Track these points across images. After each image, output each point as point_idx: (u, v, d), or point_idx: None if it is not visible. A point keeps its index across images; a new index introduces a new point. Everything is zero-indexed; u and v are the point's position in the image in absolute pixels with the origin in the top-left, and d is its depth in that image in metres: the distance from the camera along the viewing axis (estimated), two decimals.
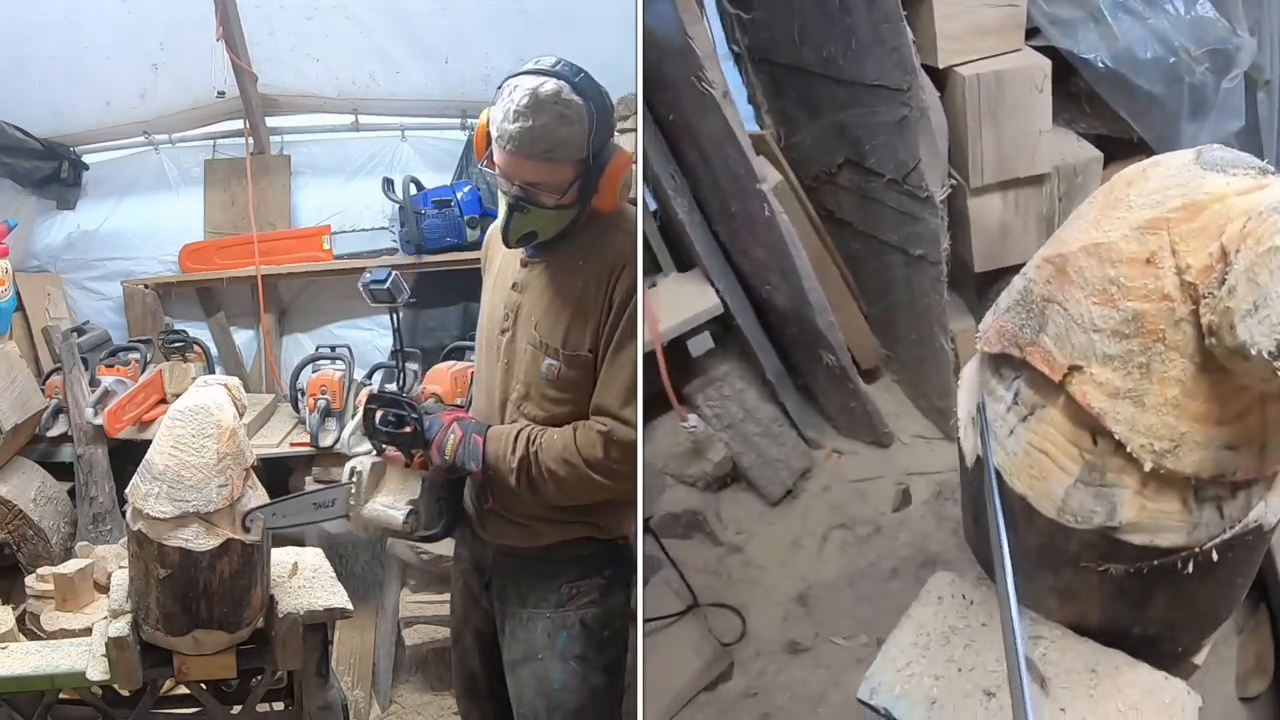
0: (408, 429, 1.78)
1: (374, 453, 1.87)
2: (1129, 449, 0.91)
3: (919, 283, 2.86)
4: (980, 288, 3.07)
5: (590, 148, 1.70)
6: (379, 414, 1.81)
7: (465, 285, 3.65)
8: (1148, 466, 0.90)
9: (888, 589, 2.78)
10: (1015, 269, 3.07)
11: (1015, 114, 2.74)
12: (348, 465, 1.87)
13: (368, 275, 2.07)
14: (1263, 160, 0.89)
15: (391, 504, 1.81)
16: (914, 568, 2.84)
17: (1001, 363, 1.07)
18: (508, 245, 1.82)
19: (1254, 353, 0.75)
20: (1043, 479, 1.01)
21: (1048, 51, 2.77)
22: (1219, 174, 0.82)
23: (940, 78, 2.65)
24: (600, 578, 1.86)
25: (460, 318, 3.68)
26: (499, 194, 1.77)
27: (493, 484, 1.82)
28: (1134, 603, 1.14)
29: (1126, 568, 1.03)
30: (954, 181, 2.73)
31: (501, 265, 1.92)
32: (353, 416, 3.03)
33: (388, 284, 2.04)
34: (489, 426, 1.81)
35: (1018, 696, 0.89)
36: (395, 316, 2.21)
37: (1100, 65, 2.75)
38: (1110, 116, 2.92)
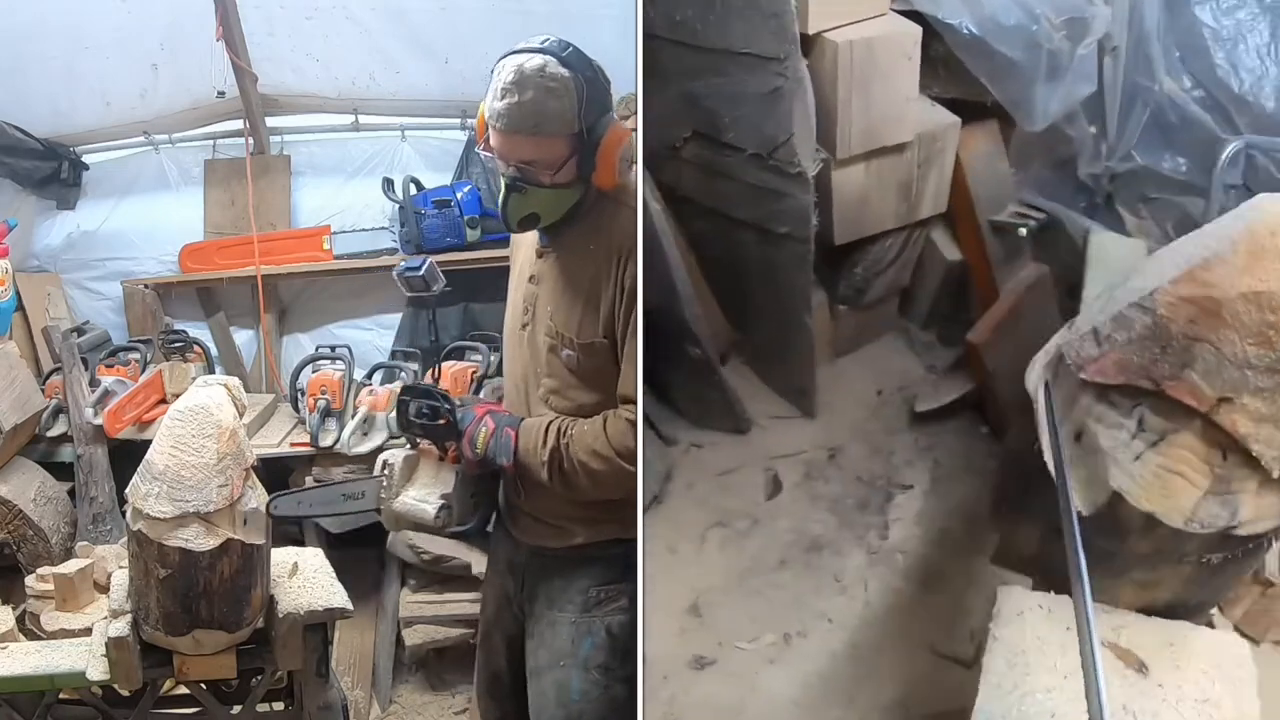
0: (441, 421, 1.77)
1: (407, 445, 1.86)
2: (1263, 463, 1.06)
3: (780, 261, 2.78)
4: (834, 260, 3.03)
5: (582, 121, 1.66)
6: (413, 405, 1.80)
7: (465, 285, 3.64)
8: (1276, 474, 1.06)
9: (780, 580, 2.76)
10: (873, 239, 3.07)
11: (885, 82, 2.70)
12: (380, 457, 1.84)
13: (403, 264, 2.01)
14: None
15: (423, 498, 1.78)
16: (800, 553, 2.83)
17: (1116, 392, 1.14)
18: (509, 228, 1.79)
19: None
20: (1172, 496, 1.11)
21: (907, 17, 2.76)
22: None
23: (805, 45, 2.56)
24: (627, 582, 1.83)
25: (460, 318, 3.68)
26: (499, 177, 1.74)
27: (524, 479, 1.80)
28: (1207, 581, 1.29)
29: (1225, 554, 1.18)
30: (823, 155, 2.67)
31: (522, 261, 1.91)
32: (353, 417, 3.03)
33: (423, 272, 1.98)
34: (522, 420, 1.79)
35: (1092, 686, 0.98)
36: (432, 310, 2.17)
37: (964, 31, 2.76)
38: (966, 81, 2.92)
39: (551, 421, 1.74)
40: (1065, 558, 1.25)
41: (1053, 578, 1.35)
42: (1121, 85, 3.08)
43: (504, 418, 1.78)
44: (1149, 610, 1.34)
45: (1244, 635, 1.96)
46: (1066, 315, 3.10)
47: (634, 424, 1.68)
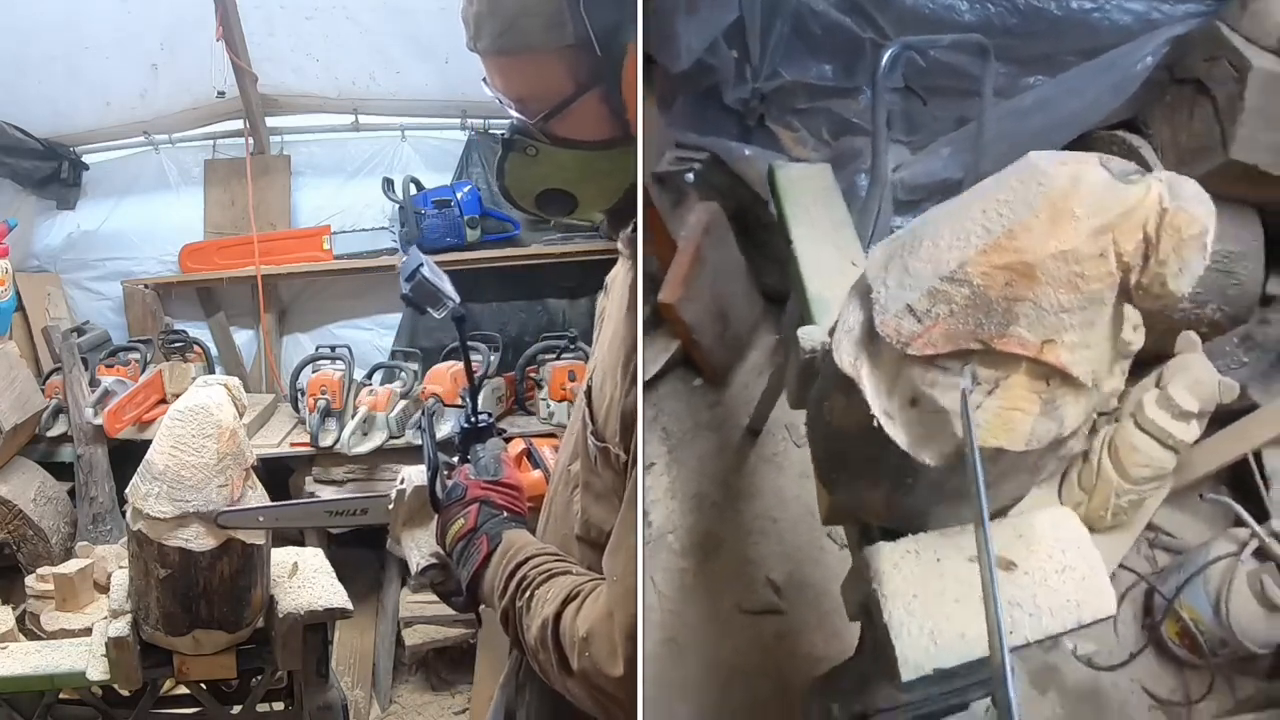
0: (431, 473, 1.38)
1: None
2: (1081, 379, 1.25)
3: None
4: None
5: (586, 21, 1.04)
6: (429, 425, 1.48)
7: (465, 285, 3.63)
8: (1089, 384, 1.26)
9: None
10: None
11: None
12: (403, 471, 1.54)
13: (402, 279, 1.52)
14: None
15: (419, 545, 1.47)
16: None
17: (946, 358, 1.28)
18: (511, 203, 1.22)
19: (1179, 295, 1.18)
20: (1013, 428, 1.28)
21: None
22: (1128, 185, 1.18)
23: None
24: None
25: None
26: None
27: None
28: (1032, 479, 1.47)
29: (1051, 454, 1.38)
30: None
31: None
32: (353, 417, 3.03)
33: (409, 291, 1.47)
34: (509, 531, 1.27)
35: (989, 592, 1.13)
36: (463, 337, 1.64)
37: None
38: None
39: (529, 559, 1.20)
40: (912, 507, 1.44)
41: (901, 524, 1.50)
42: (760, 16, 3.05)
43: (491, 517, 1.30)
44: (994, 516, 1.52)
45: None
46: (747, 251, 3.17)
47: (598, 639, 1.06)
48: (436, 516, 1.36)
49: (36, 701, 1.90)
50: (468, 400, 1.48)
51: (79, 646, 1.94)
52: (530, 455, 1.54)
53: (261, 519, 1.70)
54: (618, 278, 1.32)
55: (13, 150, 3.49)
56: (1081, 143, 2.98)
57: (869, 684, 1.60)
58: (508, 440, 1.51)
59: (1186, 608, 2.46)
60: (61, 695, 1.93)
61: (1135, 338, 1.42)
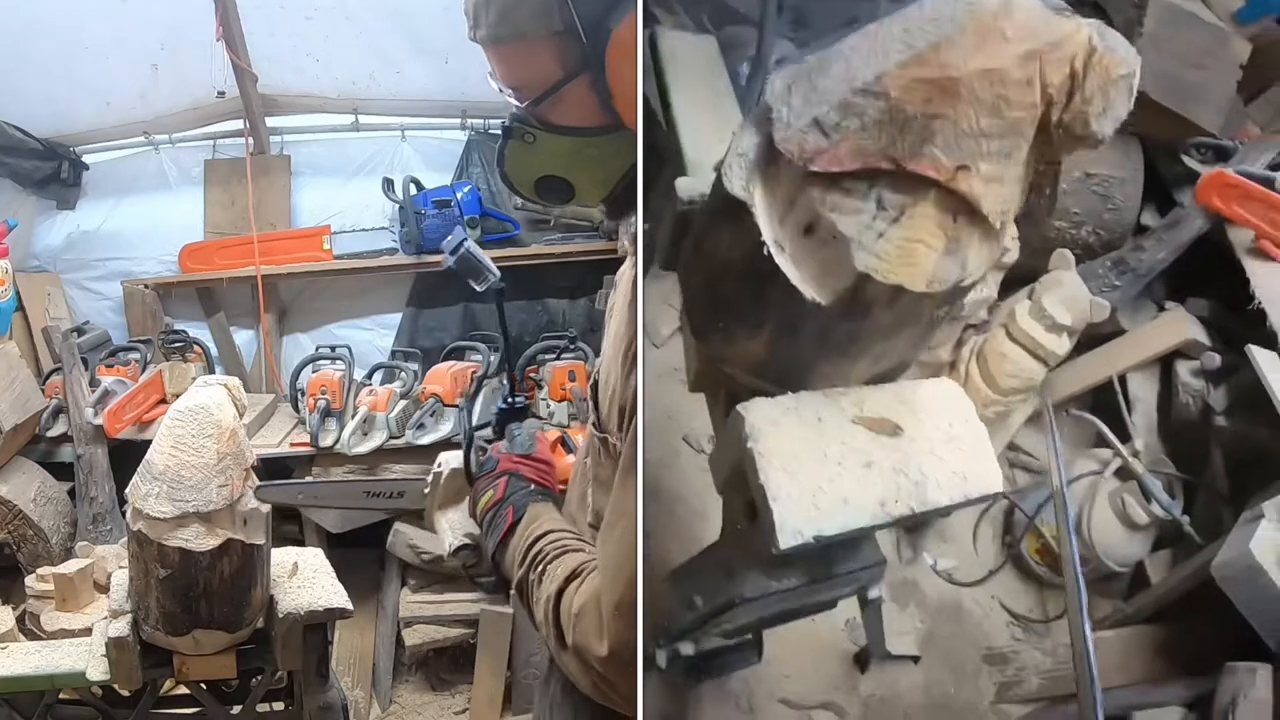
0: (466, 447, 1.44)
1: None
2: (990, 219, 1.19)
3: None
4: None
5: (570, 8, 1.09)
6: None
7: (465, 286, 3.63)
8: (996, 225, 1.20)
9: None
10: None
11: None
12: (441, 455, 1.59)
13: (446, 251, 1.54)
14: None
15: (451, 527, 1.52)
16: None
17: (850, 178, 1.20)
18: (512, 189, 1.27)
19: (1100, 137, 1.15)
20: (915, 263, 1.20)
21: None
22: (1060, 16, 1.14)
23: None
24: None
25: (460, 318, 3.68)
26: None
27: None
28: (926, 337, 1.40)
29: (949, 306, 1.32)
30: None
31: None
32: (353, 416, 3.03)
33: (453, 263, 1.54)
34: (535, 502, 1.31)
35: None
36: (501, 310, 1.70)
37: None
38: None
39: (545, 534, 1.24)
40: (794, 357, 1.32)
41: (781, 379, 1.39)
42: None
43: (519, 489, 1.34)
44: (879, 380, 1.45)
45: None
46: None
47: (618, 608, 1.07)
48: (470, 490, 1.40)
49: (36, 701, 1.90)
50: (505, 381, 1.55)
51: (79, 646, 1.94)
52: (564, 442, 1.58)
53: (300, 495, 1.76)
54: (625, 274, 1.34)
55: (13, 150, 3.49)
56: None
57: (735, 569, 1.47)
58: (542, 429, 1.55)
59: (1047, 526, 2.49)
60: (61, 695, 1.93)
61: (1012, 247, 1.37)
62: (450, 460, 1.54)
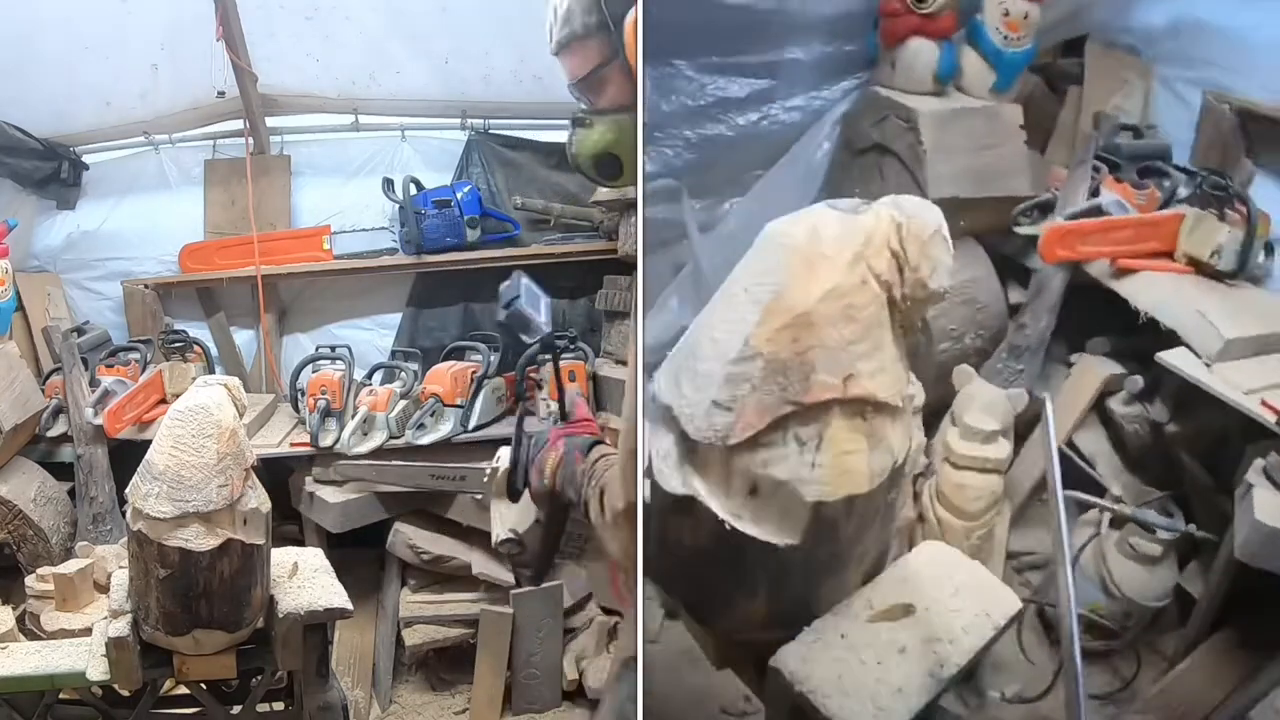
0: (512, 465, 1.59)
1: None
2: (889, 401, 1.31)
3: None
4: None
5: (604, 8, 1.45)
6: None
7: (465, 285, 3.65)
8: (900, 404, 1.33)
9: None
10: None
11: None
12: (501, 449, 1.70)
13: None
14: None
15: (501, 518, 1.64)
16: None
17: (763, 435, 1.31)
18: (579, 170, 1.57)
19: (942, 292, 1.26)
20: (852, 471, 1.33)
21: None
22: (860, 215, 1.27)
23: None
24: None
25: (460, 317, 3.68)
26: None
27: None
28: (887, 516, 1.54)
29: (895, 487, 1.47)
30: None
31: None
32: (353, 417, 3.03)
33: (507, 318, 1.57)
34: (595, 443, 1.49)
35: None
36: (556, 364, 1.78)
37: None
38: None
39: (605, 455, 1.45)
40: (793, 597, 1.43)
41: (791, 622, 1.56)
42: None
43: (577, 440, 1.51)
44: (872, 575, 1.58)
45: None
46: None
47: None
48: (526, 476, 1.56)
49: (36, 701, 1.90)
50: (555, 409, 1.69)
51: (79, 646, 1.94)
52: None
53: (375, 474, 1.89)
54: None
55: (13, 150, 3.49)
56: None
57: None
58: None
59: (1084, 606, 2.49)
60: (61, 695, 1.94)
61: (917, 391, 1.51)
62: (506, 456, 1.66)
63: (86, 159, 3.68)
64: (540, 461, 1.53)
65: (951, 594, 1.55)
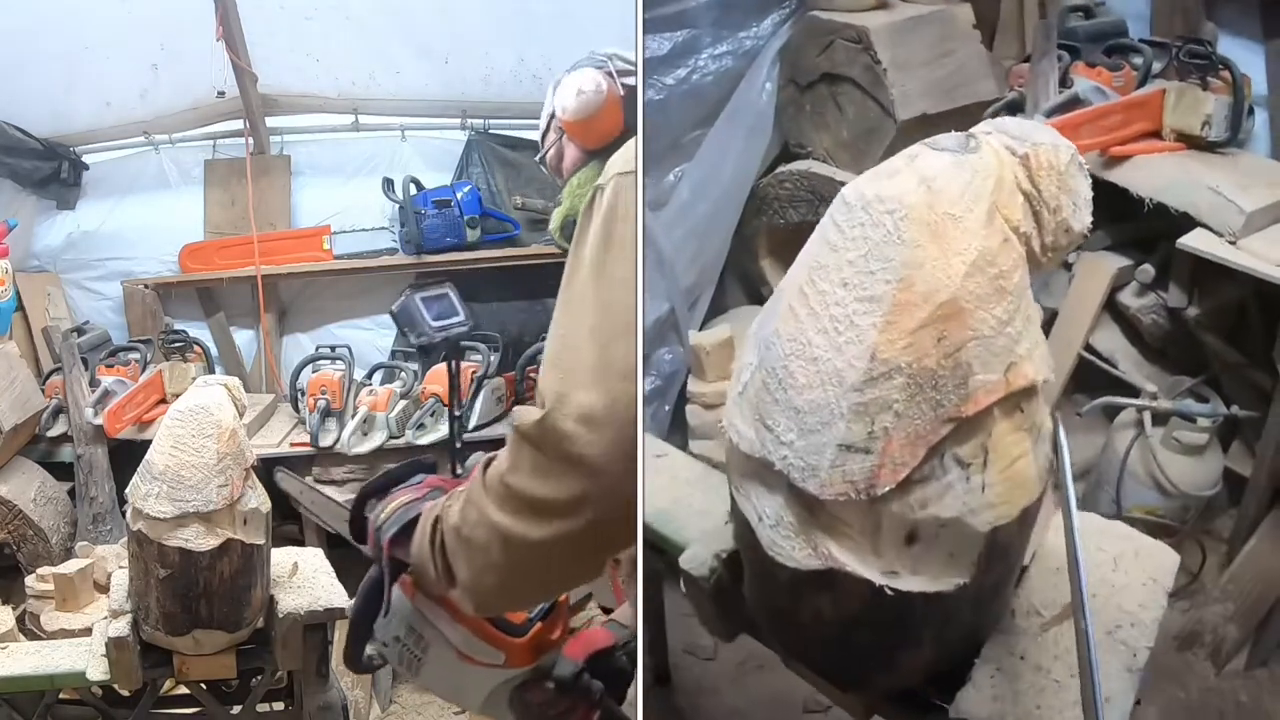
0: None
1: None
2: (1048, 379, 1.07)
3: None
4: None
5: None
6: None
7: (465, 285, 3.64)
8: (1051, 377, 1.10)
9: None
10: None
11: None
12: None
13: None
14: None
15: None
16: None
17: (919, 467, 1.02)
18: (557, 244, 1.92)
19: (1085, 233, 1.03)
20: (1024, 479, 1.07)
21: None
22: (976, 154, 1.01)
23: None
24: None
25: None
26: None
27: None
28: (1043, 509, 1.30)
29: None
30: None
31: None
32: (353, 416, 3.03)
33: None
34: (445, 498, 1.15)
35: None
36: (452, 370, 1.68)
37: None
38: None
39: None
40: (961, 637, 1.24)
41: (960, 661, 1.33)
42: None
43: (428, 492, 1.24)
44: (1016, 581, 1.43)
45: None
46: None
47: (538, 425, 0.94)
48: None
49: (36, 701, 1.90)
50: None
51: (79, 646, 1.94)
52: None
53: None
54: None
55: (13, 150, 3.49)
56: (755, 195, 2.87)
57: None
58: None
59: (1137, 508, 2.46)
60: (61, 695, 1.93)
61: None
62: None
63: (86, 159, 3.68)
64: (377, 516, 1.24)
65: (1111, 569, 1.32)
